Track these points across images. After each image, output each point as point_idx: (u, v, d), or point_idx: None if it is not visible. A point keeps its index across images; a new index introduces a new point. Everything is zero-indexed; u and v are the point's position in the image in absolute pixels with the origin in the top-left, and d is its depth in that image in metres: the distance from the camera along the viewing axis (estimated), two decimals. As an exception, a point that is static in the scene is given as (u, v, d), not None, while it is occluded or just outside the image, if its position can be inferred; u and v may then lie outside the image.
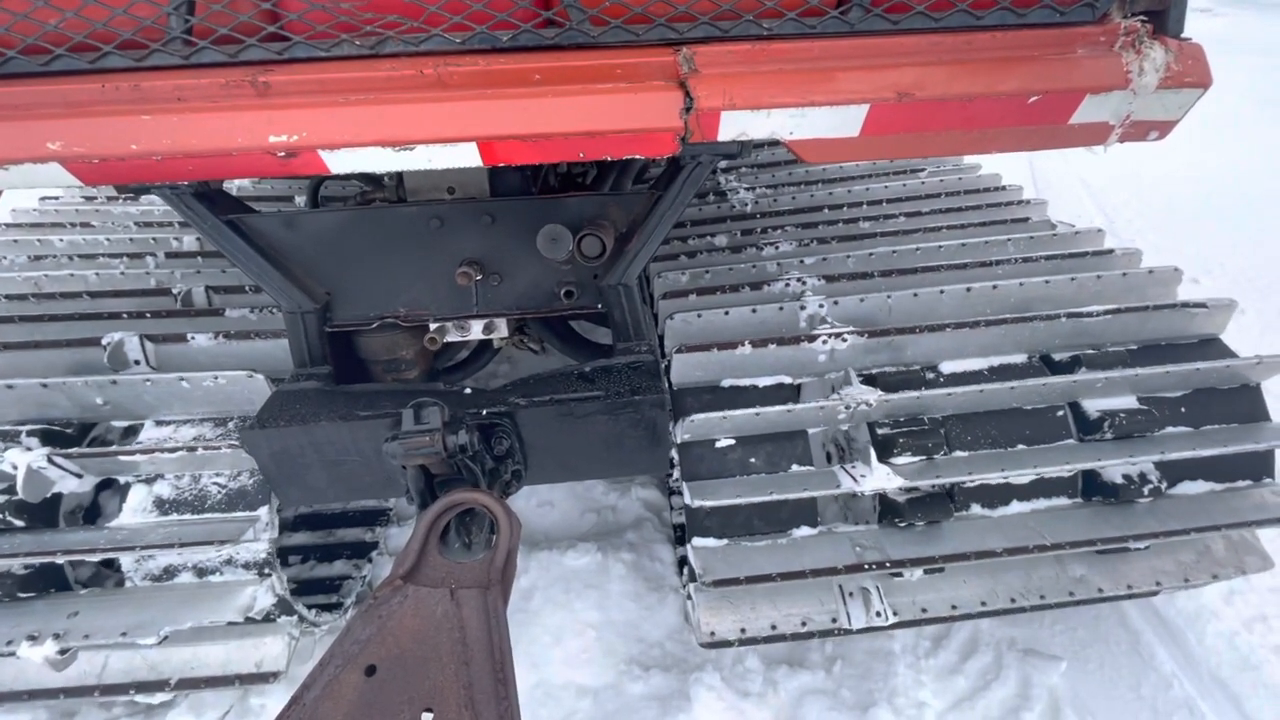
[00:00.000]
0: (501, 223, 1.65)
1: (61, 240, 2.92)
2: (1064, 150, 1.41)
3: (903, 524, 1.79)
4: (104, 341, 1.86)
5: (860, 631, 1.89)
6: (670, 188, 1.60)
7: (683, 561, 2.28)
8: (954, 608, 1.74)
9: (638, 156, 1.30)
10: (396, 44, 1.22)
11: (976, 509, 1.83)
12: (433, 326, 1.76)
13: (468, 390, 1.67)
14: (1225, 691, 2.00)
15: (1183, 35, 1.23)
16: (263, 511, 1.71)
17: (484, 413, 1.56)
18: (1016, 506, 1.84)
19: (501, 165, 1.43)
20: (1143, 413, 1.85)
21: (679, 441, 1.82)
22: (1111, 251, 2.41)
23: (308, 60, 1.21)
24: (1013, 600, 1.75)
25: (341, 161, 1.21)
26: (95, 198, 3.47)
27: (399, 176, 1.78)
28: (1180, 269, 2.19)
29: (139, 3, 1.15)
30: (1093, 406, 1.88)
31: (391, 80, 1.21)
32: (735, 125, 1.24)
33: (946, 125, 1.25)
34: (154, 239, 2.91)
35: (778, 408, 1.78)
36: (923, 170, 3.46)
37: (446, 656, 1.06)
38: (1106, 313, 1.99)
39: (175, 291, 2.31)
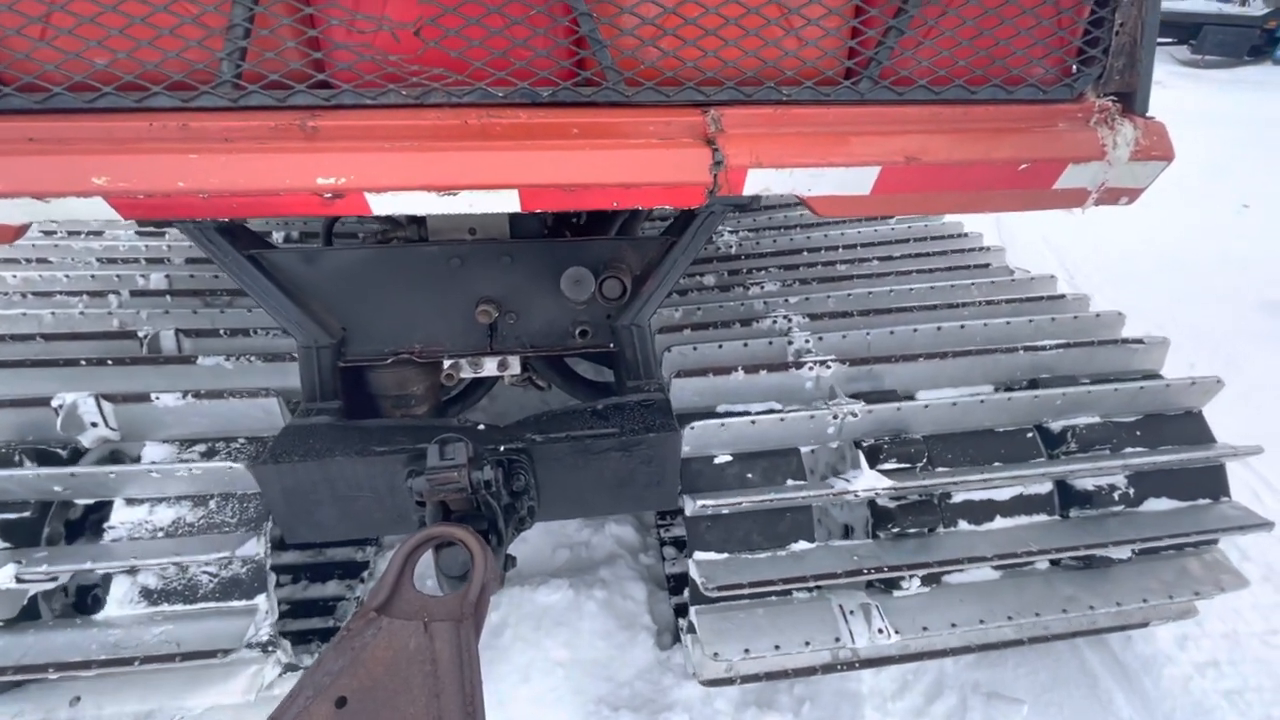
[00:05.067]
0: (520, 263, 1.70)
1: (15, 276, 2.71)
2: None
3: (895, 529, 1.87)
4: (54, 404, 1.69)
5: (864, 663, 1.94)
6: (684, 234, 1.68)
7: (678, 610, 2.30)
8: (953, 625, 1.80)
9: (666, 206, 1.38)
10: (441, 95, 1.27)
11: (964, 524, 1.95)
12: (447, 363, 1.78)
13: (481, 426, 1.69)
14: (1180, 736, 2.05)
15: (1148, 114, 1.41)
16: (260, 600, 1.63)
17: (501, 449, 1.58)
18: (1001, 522, 1.96)
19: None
20: (1100, 425, 2.03)
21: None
22: (1063, 296, 2.65)
23: (355, 107, 1.25)
24: (1010, 617, 1.83)
25: (385, 203, 1.25)
26: (55, 232, 3.25)
27: (420, 217, 1.81)
28: (1123, 313, 2.42)
29: (192, 47, 1.18)
30: (1056, 425, 2.06)
31: (437, 129, 1.26)
32: (760, 181, 1.33)
33: (948, 187, 1.38)
34: (118, 276, 2.73)
35: (771, 415, 1.88)
36: (891, 216, 3.68)
37: (418, 689, 1.06)
38: (1058, 347, 2.19)
39: (141, 335, 2.14)
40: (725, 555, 1.85)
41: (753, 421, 1.88)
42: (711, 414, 1.97)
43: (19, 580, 1.51)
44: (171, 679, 1.62)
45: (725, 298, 2.78)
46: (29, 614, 1.61)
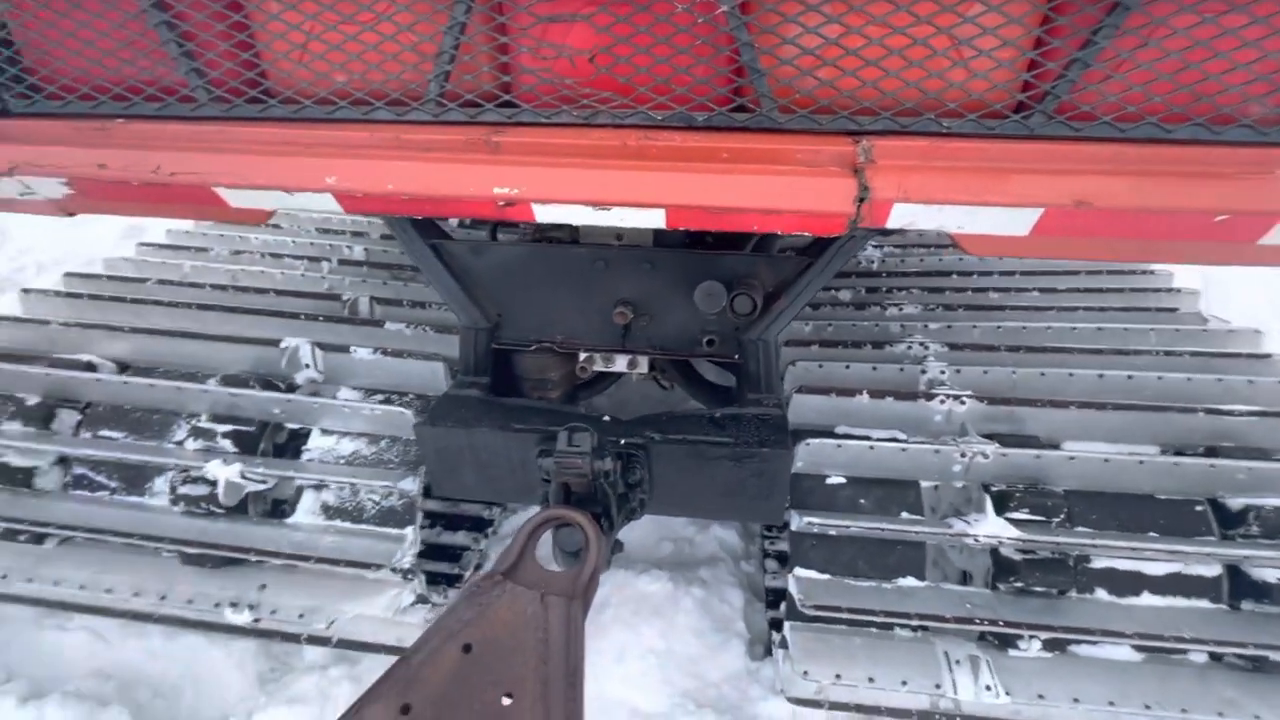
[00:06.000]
0: (659, 270, 1.81)
1: (256, 238, 3.35)
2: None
3: (1018, 584, 1.75)
4: (282, 345, 2.13)
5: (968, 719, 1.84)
6: (821, 257, 1.69)
7: (773, 624, 2.32)
8: (1076, 700, 1.66)
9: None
10: (606, 117, 1.39)
11: (1102, 594, 1.77)
12: (582, 356, 1.94)
13: (607, 418, 1.82)
14: None
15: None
16: (408, 531, 1.92)
17: (622, 442, 1.71)
18: (1149, 599, 1.76)
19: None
20: None
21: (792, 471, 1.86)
22: (1270, 356, 2.28)
23: (532, 124, 1.41)
24: (1147, 706, 1.65)
25: (548, 213, 1.40)
26: None
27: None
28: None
29: (409, 70, 1.39)
30: (1236, 502, 1.81)
31: (599, 148, 1.38)
32: (904, 215, 1.32)
33: (1121, 233, 1.28)
34: (330, 245, 3.28)
35: (892, 444, 1.83)
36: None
37: (530, 652, 1.18)
38: (1251, 414, 1.91)
39: (344, 299, 2.59)
40: (827, 576, 1.84)
41: (871, 447, 1.85)
42: (829, 434, 1.96)
43: (243, 477, 1.92)
44: (333, 586, 1.95)
45: (859, 316, 2.72)
46: (240, 510, 2.01)
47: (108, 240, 5.08)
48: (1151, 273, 3.04)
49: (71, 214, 1.59)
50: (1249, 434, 1.91)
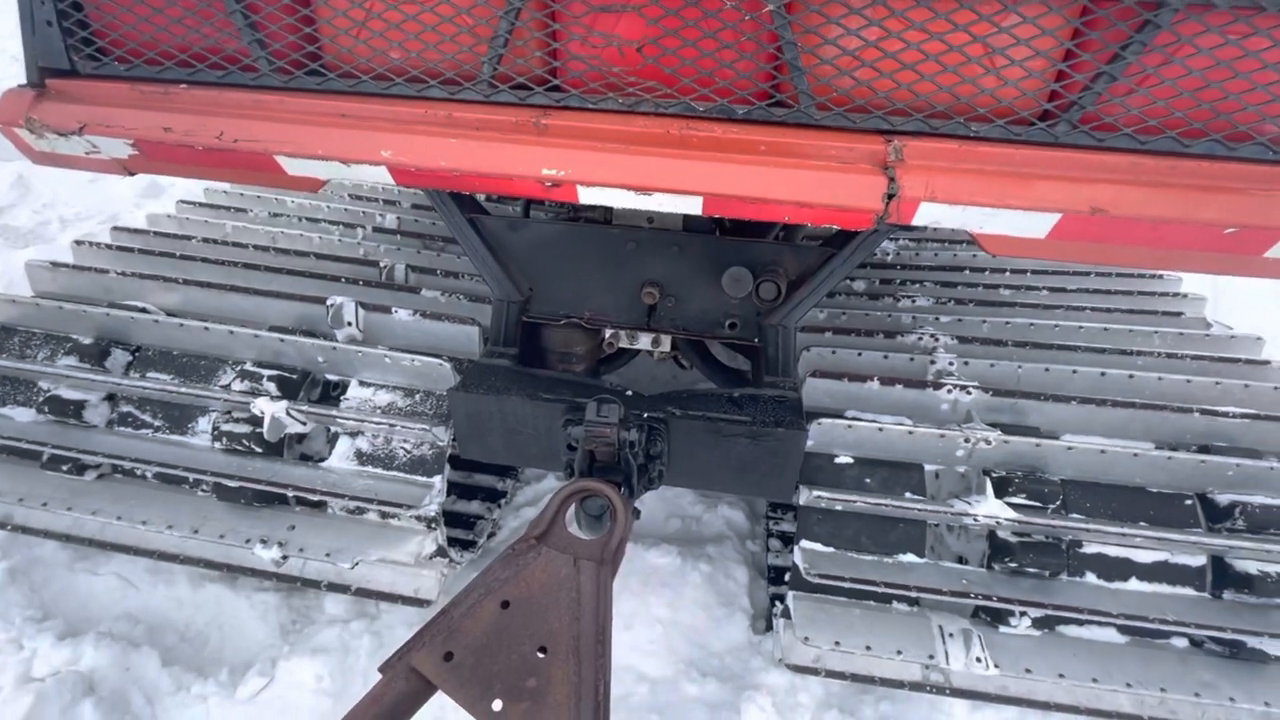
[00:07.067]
0: (687, 253, 1.88)
1: (292, 202, 3.41)
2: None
3: (1012, 564, 1.85)
4: (328, 302, 2.20)
5: (956, 692, 1.93)
6: (845, 248, 1.76)
7: (774, 600, 2.42)
8: (1061, 676, 1.75)
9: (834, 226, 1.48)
10: (650, 105, 1.46)
11: (1091, 577, 1.87)
12: (608, 333, 2.02)
13: (629, 392, 1.91)
14: None
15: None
16: (436, 480, 1.99)
17: (645, 415, 1.80)
18: (1136, 585, 1.86)
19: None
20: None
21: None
22: (1269, 363, 2.37)
23: (579, 109, 1.47)
24: (1128, 684, 1.75)
25: (591, 195, 1.47)
26: None
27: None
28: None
29: (464, 52, 1.46)
30: (1224, 497, 1.90)
31: (643, 135, 1.45)
32: (930, 214, 1.39)
33: (1135, 241, 1.35)
34: (363, 212, 3.34)
35: (900, 427, 1.91)
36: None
37: (563, 610, 1.28)
38: (1245, 416, 2.00)
39: (381, 265, 2.65)
40: (831, 549, 1.93)
41: (880, 429, 1.93)
42: (840, 416, 2.05)
43: (289, 414, 2.00)
44: (360, 531, 2.03)
45: (872, 306, 2.79)
46: (276, 450, 2.08)
47: (127, 198, 5.14)
48: (1160, 277, 3.11)
49: (133, 173, 1.66)
50: (1241, 435, 2.00)
